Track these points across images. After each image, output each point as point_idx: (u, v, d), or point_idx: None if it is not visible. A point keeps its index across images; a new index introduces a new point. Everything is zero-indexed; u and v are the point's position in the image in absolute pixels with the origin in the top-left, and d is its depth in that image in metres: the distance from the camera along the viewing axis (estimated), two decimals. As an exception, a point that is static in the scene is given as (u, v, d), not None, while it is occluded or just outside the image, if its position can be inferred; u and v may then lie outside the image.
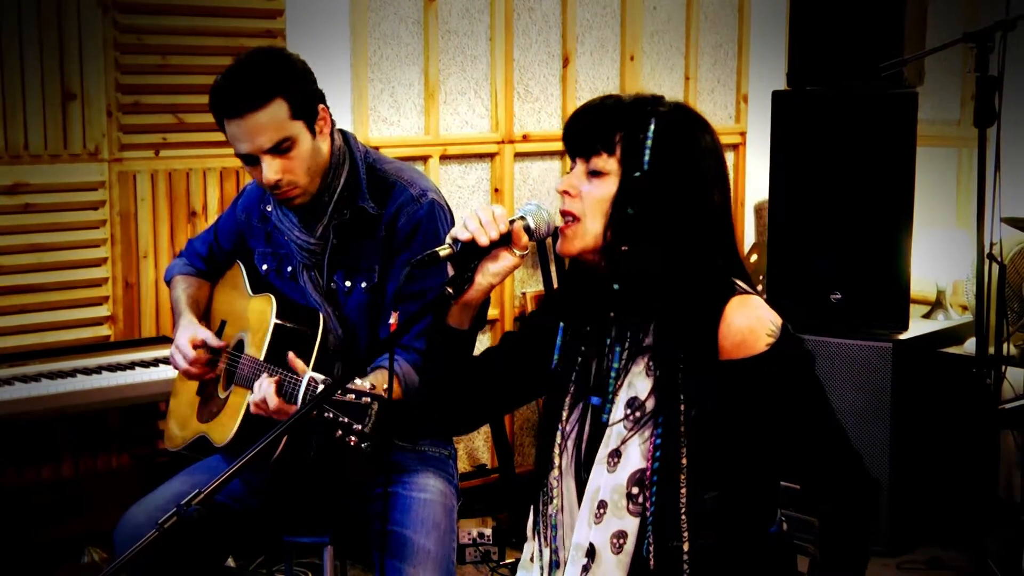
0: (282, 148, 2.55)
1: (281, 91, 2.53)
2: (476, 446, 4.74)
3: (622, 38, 4.93)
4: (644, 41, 5.00)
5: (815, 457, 1.96)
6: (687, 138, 1.99)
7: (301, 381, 2.38)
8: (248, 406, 2.52)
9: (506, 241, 2.04)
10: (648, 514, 1.94)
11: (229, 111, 2.54)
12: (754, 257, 5.17)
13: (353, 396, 2.16)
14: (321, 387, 2.31)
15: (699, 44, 5.17)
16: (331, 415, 2.19)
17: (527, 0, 4.67)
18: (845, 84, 4.29)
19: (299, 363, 2.46)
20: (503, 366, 2.18)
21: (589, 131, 2.00)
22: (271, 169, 2.55)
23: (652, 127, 1.96)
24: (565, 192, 2.01)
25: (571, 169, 2.03)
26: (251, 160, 2.57)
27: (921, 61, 4.26)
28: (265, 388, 2.43)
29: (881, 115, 4.24)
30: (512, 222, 2.05)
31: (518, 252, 2.06)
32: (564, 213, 2.02)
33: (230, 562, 3.80)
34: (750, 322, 1.93)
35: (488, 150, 4.65)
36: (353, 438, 2.17)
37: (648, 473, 1.95)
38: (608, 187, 1.98)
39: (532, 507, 2.12)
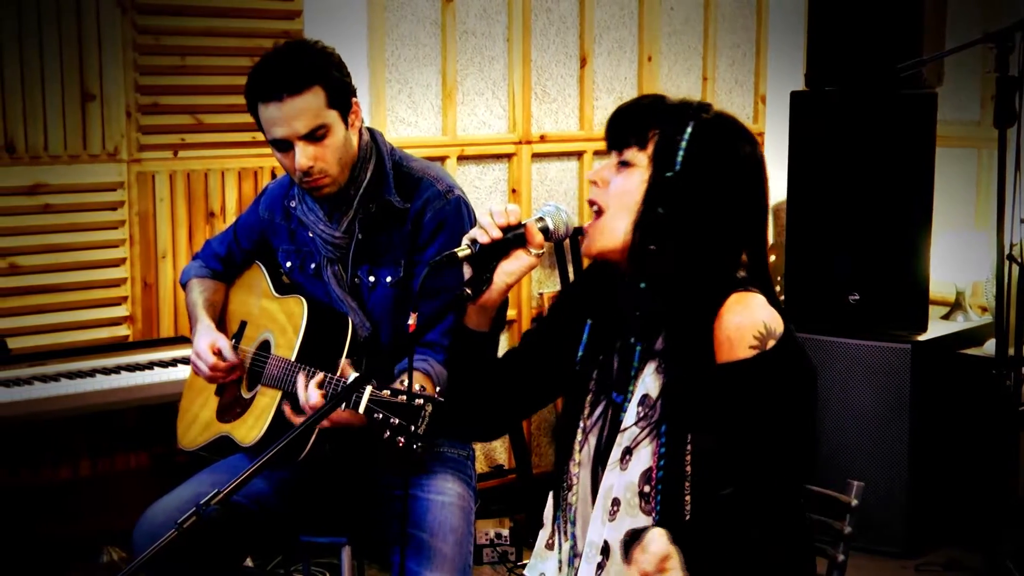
0: (317, 135, 2.56)
1: (320, 79, 2.56)
2: (493, 446, 4.74)
3: (640, 39, 4.93)
4: (662, 42, 4.99)
5: (750, 479, 1.87)
6: (723, 146, 1.98)
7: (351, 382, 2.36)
8: (278, 407, 2.52)
9: (521, 241, 2.04)
10: (652, 523, 1.94)
11: (268, 94, 2.55)
12: (772, 258, 5.16)
13: (404, 397, 2.15)
14: (369, 388, 2.29)
15: (717, 44, 5.17)
16: (380, 416, 2.18)
17: (545, 1, 4.67)
18: (864, 85, 4.28)
19: (347, 368, 2.45)
20: (527, 366, 2.17)
21: (625, 124, 2.01)
22: (304, 155, 2.56)
23: (689, 130, 1.96)
24: (593, 182, 2.03)
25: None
26: (284, 146, 2.58)
27: (940, 61, 4.25)
28: (311, 392, 2.42)
29: (900, 116, 4.22)
30: (524, 224, 2.05)
31: (534, 252, 2.06)
32: (590, 202, 2.03)
33: (248, 562, 3.81)
34: (740, 321, 1.88)
35: (505, 151, 4.65)
36: (402, 439, 2.16)
37: (653, 481, 1.94)
38: (633, 180, 1.98)
39: (552, 497, 2.12)
